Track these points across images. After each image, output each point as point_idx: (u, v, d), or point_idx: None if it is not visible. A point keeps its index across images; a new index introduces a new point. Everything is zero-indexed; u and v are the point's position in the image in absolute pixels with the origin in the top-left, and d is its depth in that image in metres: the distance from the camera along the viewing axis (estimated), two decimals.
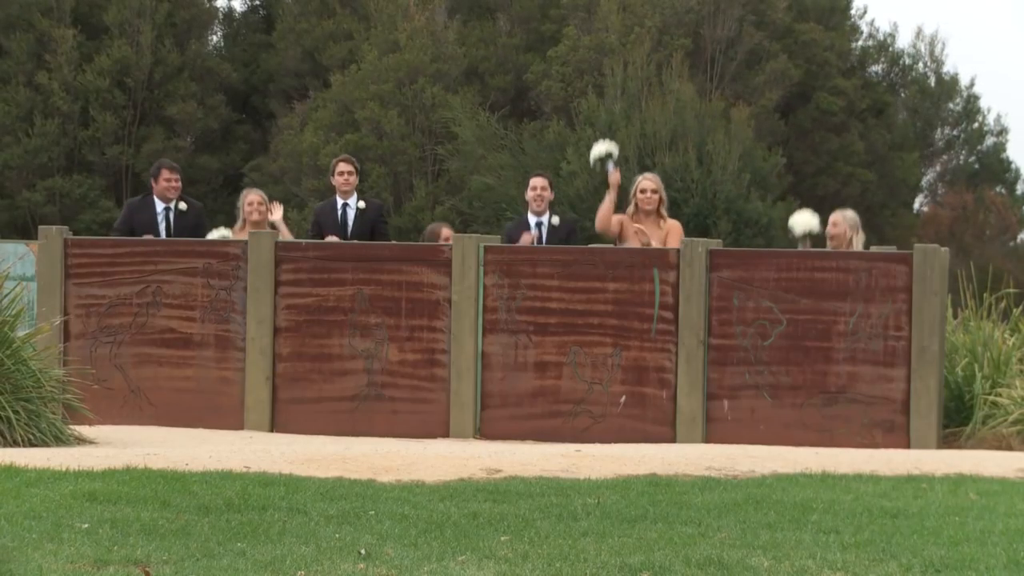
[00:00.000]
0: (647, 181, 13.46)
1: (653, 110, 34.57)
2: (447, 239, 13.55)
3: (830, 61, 40.72)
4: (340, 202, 13.68)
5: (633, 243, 13.17)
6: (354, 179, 13.77)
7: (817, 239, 13.66)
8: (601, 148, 13.74)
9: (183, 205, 13.54)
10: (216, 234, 13.92)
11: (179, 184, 13.71)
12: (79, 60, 39.82)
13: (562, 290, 12.68)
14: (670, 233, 13.30)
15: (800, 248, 13.44)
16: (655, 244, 13.11)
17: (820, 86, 40.43)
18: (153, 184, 13.73)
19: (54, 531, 7.31)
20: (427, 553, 7.05)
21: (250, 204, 14.02)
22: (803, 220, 13.65)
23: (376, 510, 8.09)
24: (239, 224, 14.00)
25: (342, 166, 13.88)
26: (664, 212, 13.44)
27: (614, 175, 13.64)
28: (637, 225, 13.29)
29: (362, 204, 13.64)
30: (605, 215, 13.55)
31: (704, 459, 10.43)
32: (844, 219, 13.41)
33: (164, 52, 40.39)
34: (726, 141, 34.53)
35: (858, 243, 13.39)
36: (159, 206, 13.53)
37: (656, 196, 13.36)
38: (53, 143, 39.50)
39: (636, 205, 13.39)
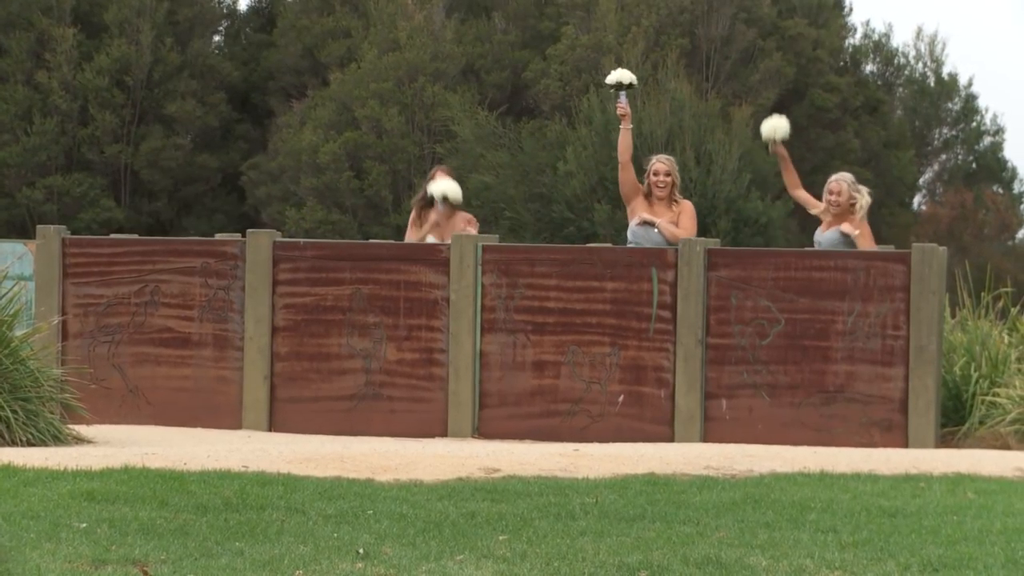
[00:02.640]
0: (660, 164, 13.28)
1: (650, 109, 34.57)
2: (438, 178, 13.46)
3: (822, 58, 40.75)
4: None
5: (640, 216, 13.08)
6: None
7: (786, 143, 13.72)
8: (615, 76, 13.65)
9: None
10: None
11: None
12: (78, 59, 39.82)
13: (560, 289, 12.68)
14: (682, 213, 13.17)
15: (770, 149, 13.63)
16: (666, 224, 12.95)
17: (813, 83, 40.45)
18: None
19: (52, 530, 7.31)
20: (425, 552, 7.06)
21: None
22: (769, 124, 13.72)
23: (374, 509, 8.09)
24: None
25: None
26: (677, 195, 13.29)
27: (622, 108, 13.50)
28: (646, 216, 13.13)
29: None
30: (622, 147, 13.35)
31: (702, 458, 10.43)
32: (844, 182, 13.15)
33: (164, 51, 40.38)
34: (726, 140, 34.53)
35: (863, 202, 13.13)
36: None
37: (669, 179, 13.18)
38: (52, 142, 39.52)
39: (649, 187, 13.24)
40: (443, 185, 13.47)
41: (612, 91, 13.92)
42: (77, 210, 39.19)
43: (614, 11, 38.59)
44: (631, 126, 13.59)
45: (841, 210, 13.05)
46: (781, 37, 40.11)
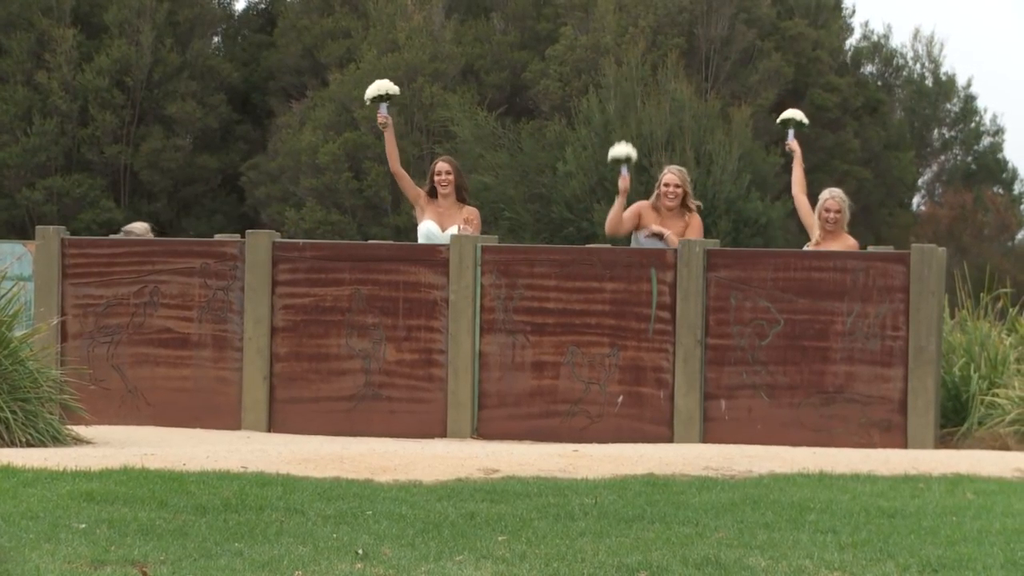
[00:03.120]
0: (671, 175, 13.43)
1: (649, 110, 34.56)
2: (440, 171, 13.49)
3: (822, 58, 40.76)
4: None
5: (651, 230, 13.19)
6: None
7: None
8: (620, 151, 13.79)
9: None
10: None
11: None
12: (79, 59, 39.81)
13: (560, 290, 12.68)
14: (690, 227, 13.28)
15: (787, 145, 13.92)
16: (674, 238, 13.08)
17: (813, 83, 40.45)
18: None
19: (51, 531, 7.31)
20: (424, 553, 7.06)
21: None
22: (789, 111, 13.87)
23: (373, 510, 8.09)
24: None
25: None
26: (690, 204, 13.44)
27: (625, 180, 13.61)
28: (656, 228, 13.23)
29: None
30: (614, 220, 13.55)
31: (701, 459, 10.43)
32: (842, 200, 13.30)
33: (164, 52, 40.38)
34: (726, 141, 34.51)
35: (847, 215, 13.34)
36: None
37: (680, 190, 13.35)
38: (52, 142, 39.50)
39: (658, 196, 13.39)
40: (372, 88, 13.71)
41: (612, 164, 14.00)
42: (77, 211, 39.18)
43: (612, 11, 38.57)
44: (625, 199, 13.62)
45: (837, 227, 13.16)
46: (781, 37, 40.11)
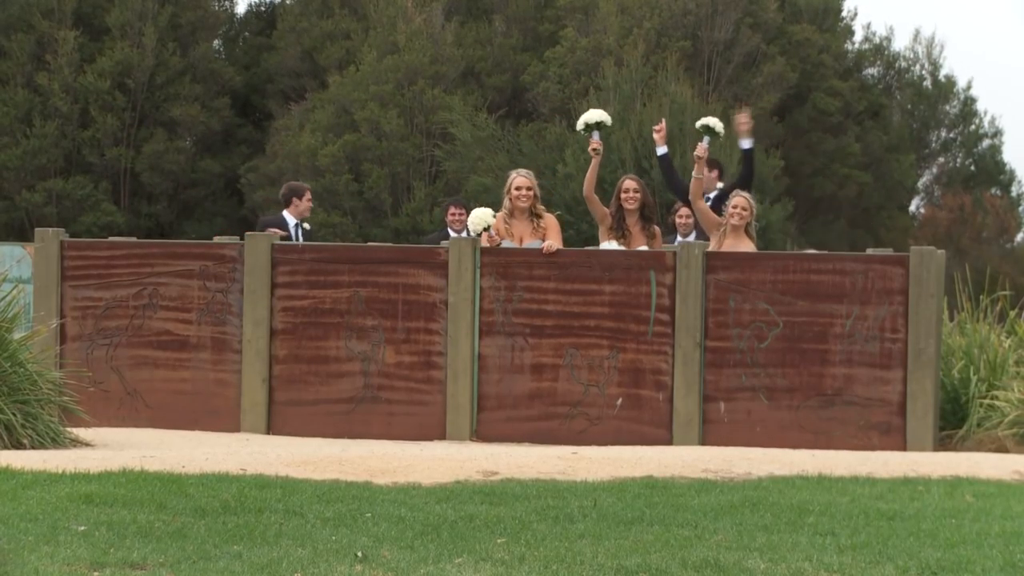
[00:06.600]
0: (522, 179, 13.37)
1: (651, 112, 34.55)
2: (628, 189, 13.54)
3: (825, 63, 40.75)
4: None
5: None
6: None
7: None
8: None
9: (307, 225, 14.88)
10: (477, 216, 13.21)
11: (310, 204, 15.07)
12: (80, 61, 39.81)
13: (559, 292, 12.68)
14: (549, 230, 13.17)
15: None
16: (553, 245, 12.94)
17: (816, 87, 40.43)
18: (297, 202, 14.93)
19: (50, 533, 7.31)
20: (423, 555, 7.06)
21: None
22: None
23: (372, 512, 8.09)
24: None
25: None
26: (539, 209, 13.34)
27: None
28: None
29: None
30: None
31: (700, 461, 10.43)
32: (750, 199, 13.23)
33: (167, 55, 40.38)
34: (727, 144, 34.49)
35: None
36: (291, 222, 14.70)
37: (531, 193, 13.28)
38: (52, 144, 39.49)
39: (511, 200, 13.27)
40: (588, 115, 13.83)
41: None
42: (77, 213, 39.16)
43: (615, 14, 38.57)
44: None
45: (744, 222, 13.04)
46: (787, 42, 40.09)
